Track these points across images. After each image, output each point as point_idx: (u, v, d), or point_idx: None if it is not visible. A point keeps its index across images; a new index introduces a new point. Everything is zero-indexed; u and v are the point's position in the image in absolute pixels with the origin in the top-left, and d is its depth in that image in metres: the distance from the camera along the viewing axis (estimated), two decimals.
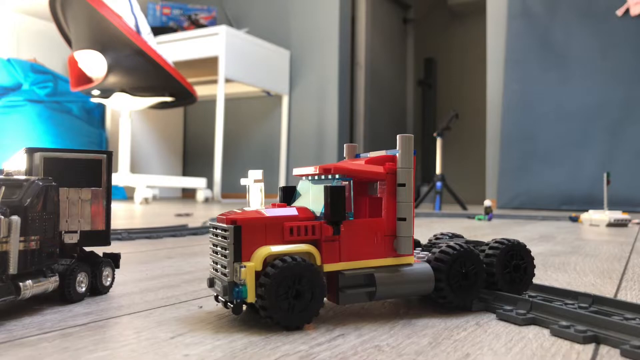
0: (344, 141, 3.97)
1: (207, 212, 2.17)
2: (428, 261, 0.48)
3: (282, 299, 0.40)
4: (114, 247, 0.61)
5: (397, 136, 0.46)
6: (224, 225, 0.42)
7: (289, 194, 0.50)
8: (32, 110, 3.27)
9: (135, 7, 2.85)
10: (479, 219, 1.98)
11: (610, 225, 1.64)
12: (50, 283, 0.46)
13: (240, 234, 0.42)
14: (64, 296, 0.49)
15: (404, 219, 0.46)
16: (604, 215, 1.67)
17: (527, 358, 0.35)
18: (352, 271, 0.44)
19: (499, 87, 3.37)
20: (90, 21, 2.69)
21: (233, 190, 4.09)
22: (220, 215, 0.44)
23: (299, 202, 0.49)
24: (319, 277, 0.42)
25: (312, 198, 0.47)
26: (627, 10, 2.94)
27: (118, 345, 0.37)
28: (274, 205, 0.46)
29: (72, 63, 2.89)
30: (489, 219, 1.96)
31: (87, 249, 0.54)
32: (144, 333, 0.40)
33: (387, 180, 0.46)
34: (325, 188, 0.43)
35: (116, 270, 0.56)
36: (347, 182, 0.45)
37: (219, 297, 0.44)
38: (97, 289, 0.52)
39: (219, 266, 0.44)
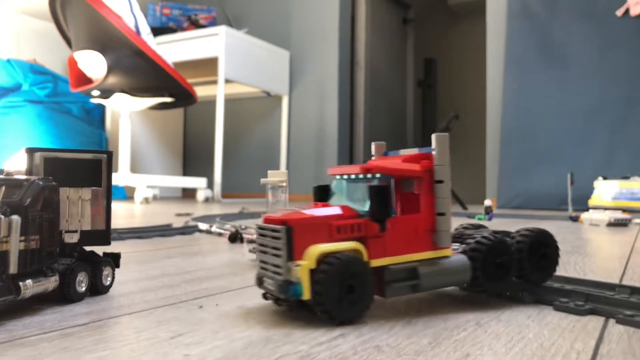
0: (344, 141, 3.97)
1: (208, 211, 2.17)
2: (463, 252, 0.50)
3: (337, 294, 0.42)
4: (114, 247, 0.61)
5: (433, 135, 0.49)
6: (275, 226, 0.44)
7: (323, 193, 0.52)
8: (32, 110, 3.27)
9: (135, 8, 2.85)
10: (479, 219, 1.98)
11: (610, 224, 1.64)
12: (51, 283, 0.46)
13: (292, 234, 0.43)
14: (64, 296, 0.49)
15: (443, 214, 0.48)
16: (604, 215, 1.67)
17: (527, 358, 0.35)
18: (397, 265, 0.46)
19: (498, 87, 3.37)
20: (90, 21, 2.69)
21: (233, 190, 4.08)
22: (266, 216, 0.46)
23: (333, 201, 0.51)
24: (369, 273, 0.44)
25: (348, 196, 0.49)
26: (627, 11, 2.94)
27: (118, 345, 0.37)
28: (316, 205, 0.49)
29: (72, 63, 2.89)
30: (489, 219, 1.96)
31: (87, 248, 0.54)
32: (144, 333, 0.40)
33: (424, 178, 0.48)
34: (371, 187, 0.45)
35: (116, 269, 0.56)
36: (386, 181, 0.47)
37: (268, 295, 0.47)
38: (97, 289, 0.52)
39: (269, 265, 0.45)
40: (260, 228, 0.47)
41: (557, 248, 0.54)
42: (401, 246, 0.47)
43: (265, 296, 0.48)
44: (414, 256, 0.47)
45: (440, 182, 0.48)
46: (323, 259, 0.42)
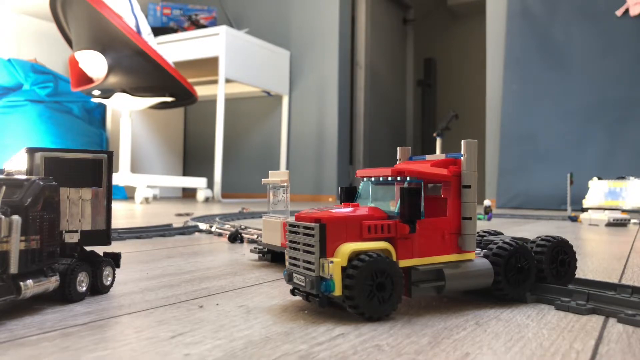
0: (344, 141, 3.97)
1: (208, 211, 2.17)
2: (485, 256, 0.51)
3: (367, 291, 0.43)
4: (114, 247, 0.61)
5: (462, 141, 0.50)
6: (309, 223, 0.45)
7: (350, 194, 0.53)
8: (32, 110, 3.27)
9: (136, 8, 2.85)
10: (479, 219, 1.98)
11: (609, 225, 1.65)
12: (51, 282, 0.46)
13: (325, 232, 0.44)
14: (65, 296, 0.49)
15: (470, 218, 0.49)
16: (604, 215, 1.67)
17: (526, 357, 0.35)
18: (424, 267, 0.48)
19: (498, 87, 3.37)
20: (90, 21, 2.69)
21: (233, 190, 4.08)
22: (298, 214, 0.47)
23: (360, 202, 0.52)
24: (399, 272, 0.45)
25: (374, 198, 0.51)
26: (627, 11, 2.94)
27: (118, 344, 0.37)
28: (345, 205, 0.50)
29: (73, 63, 2.89)
30: (489, 219, 1.96)
31: (88, 248, 0.54)
32: (145, 332, 0.40)
33: (452, 182, 0.49)
34: (403, 189, 0.46)
35: (117, 269, 0.56)
36: (416, 184, 0.48)
37: (297, 291, 0.48)
38: (98, 289, 0.52)
39: (300, 261, 0.46)
40: (291, 225, 0.48)
41: (574, 255, 0.56)
42: (428, 248, 0.48)
43: (293, 292, 0.48)
44: (439, 258, 0.48)
45: (468, 187, 0.49)
46: (354, 256, 0.44)
